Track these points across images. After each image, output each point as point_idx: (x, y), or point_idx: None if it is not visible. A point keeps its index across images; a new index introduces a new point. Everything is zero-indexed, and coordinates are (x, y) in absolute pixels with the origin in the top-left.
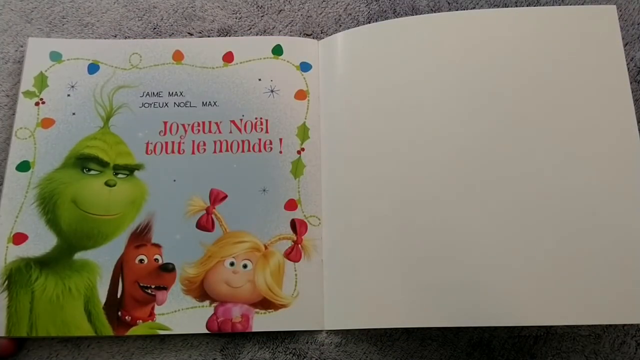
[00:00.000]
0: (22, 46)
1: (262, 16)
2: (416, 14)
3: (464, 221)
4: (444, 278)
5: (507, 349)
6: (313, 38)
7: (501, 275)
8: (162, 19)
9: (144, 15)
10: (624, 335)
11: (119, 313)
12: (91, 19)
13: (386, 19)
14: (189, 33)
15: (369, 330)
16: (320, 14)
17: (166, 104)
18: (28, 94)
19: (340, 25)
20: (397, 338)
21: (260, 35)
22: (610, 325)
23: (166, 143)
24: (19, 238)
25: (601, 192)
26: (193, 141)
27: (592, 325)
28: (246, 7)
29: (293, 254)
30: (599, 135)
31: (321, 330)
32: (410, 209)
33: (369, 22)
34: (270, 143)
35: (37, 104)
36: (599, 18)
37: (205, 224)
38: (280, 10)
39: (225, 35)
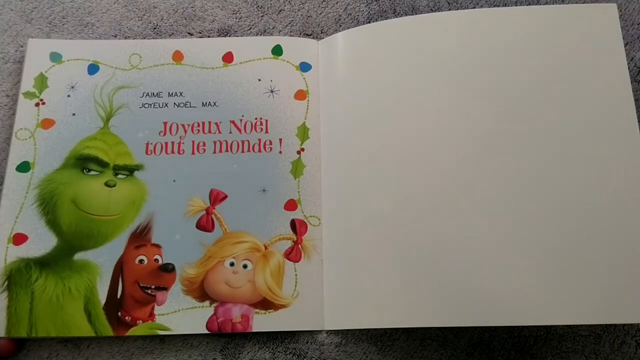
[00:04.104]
0: (22, 46)
1: (262, 16)
2: (416, 14)
3: (464, 221)
4: (444, 278)
5: (507, 349)
6: (313, 38)
7: (501, 275)
8: (162, 19)
9: (144, 15)
10: (624, 335)
11: (119, 313)
12: (91, 19)
13: (386, 19)
14: (189, 33)
15: (369, 330)
16: (320, 14)
17: (166, 105)
18: (28, 94)
19: (340, 25)
20: (397, 338)
21: (261, 35)
22: (610, 325)
23: (166, 143)
24: (19, 238)
25: (601, 192)
26: (193, 141)
27: (592, 325)
28: (246, 7)
29: (293, 254)
30: (599, 135)
31: (321, 330)
32: (410, 209)
33: (369, 22)
34: (270, 143)
35: (37, 104)
36: (600, 17)
37: (205, 224)
38: (280, 10)
39: (225, 35)
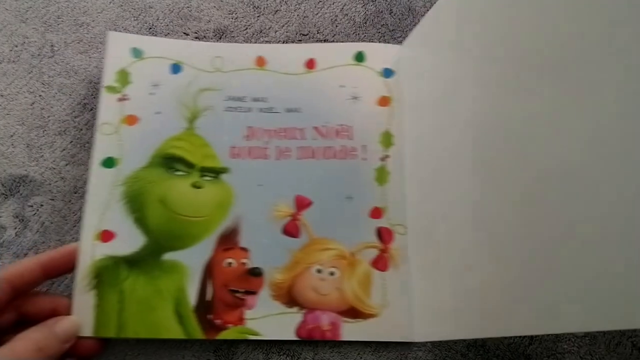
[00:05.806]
0: (17, 46)
1: (258, 16)
2: (412, 15)
3: (556, 221)
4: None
5: (502, 350)
6: (309, 38)
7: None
8: (157, 19)
9: (139, 15)
10: (619, 336)
11: (209, 316)
12: (86, 19)
13: (383, 19)
14: (184, 33)
15: None
16: (317, 14)
17: (250, 109)
18: (110, 88)
19: (336, 26)
20: None
21: (257, 35)
22: None
23: (251, 148)
24: (106, 235)
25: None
26: (277, 147)
27: None
28: (242, 7)
29: (380, 262)
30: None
31: None
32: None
33: (366, 23)
34: (354, 150)
35: (120, 99)
36: None
37: (291, 230)
38: (277, 11)
39: (221, 36)
